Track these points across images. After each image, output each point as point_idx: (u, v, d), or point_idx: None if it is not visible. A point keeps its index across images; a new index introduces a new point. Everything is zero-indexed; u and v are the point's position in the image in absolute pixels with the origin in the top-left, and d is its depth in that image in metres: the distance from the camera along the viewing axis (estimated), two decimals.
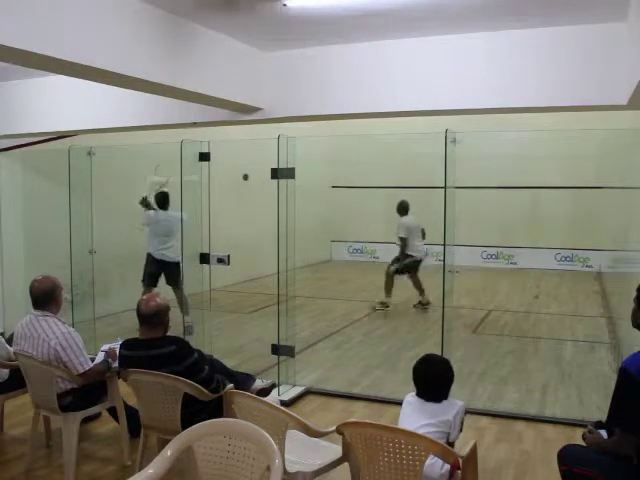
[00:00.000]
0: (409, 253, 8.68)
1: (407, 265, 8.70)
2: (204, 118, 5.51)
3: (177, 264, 6.92)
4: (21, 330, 3.93)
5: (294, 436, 3.16)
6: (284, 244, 5.34)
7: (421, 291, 8.81)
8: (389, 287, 8.79)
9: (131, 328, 3.88)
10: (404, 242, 8.66)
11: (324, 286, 8.80)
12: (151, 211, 7.26)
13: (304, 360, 6.20)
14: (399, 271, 8.73)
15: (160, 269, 7.25)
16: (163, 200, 7.21)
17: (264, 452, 2.31)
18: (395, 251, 8.84)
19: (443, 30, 4.60)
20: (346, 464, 3.06)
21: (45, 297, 3.92)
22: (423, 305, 8.79)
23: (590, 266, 12.87)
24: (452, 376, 3.28)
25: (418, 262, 8.75)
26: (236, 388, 3.68)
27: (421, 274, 8.79)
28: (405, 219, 8.76)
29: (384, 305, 8.81)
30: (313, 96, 5.15)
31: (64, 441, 3.81)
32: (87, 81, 4.62)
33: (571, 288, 11.18)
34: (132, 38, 3.99)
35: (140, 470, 2.45)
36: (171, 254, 7.14)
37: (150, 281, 7.23)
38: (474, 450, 2.92)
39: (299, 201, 5.51)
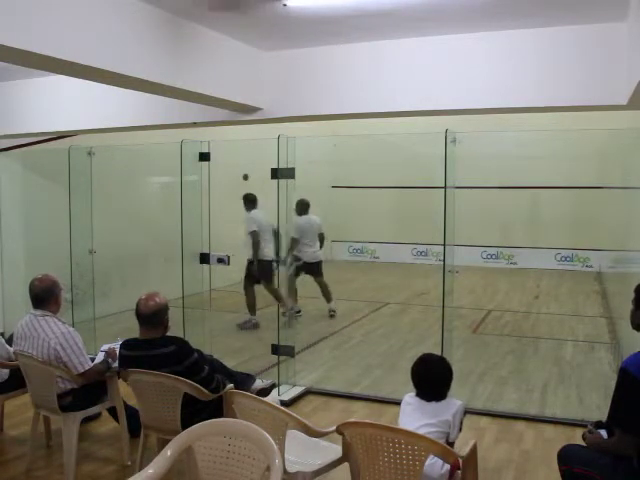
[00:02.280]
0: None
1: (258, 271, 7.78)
2: (204, 118, 5.51)
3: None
4: (21, 330, 3.93)
5: (294, 436, 3.16)
6: (284, 244, 5.35)
7: (279, 299, 7.36)
8: (278, 295, 7.63)
9: (131, 328, 3.87)
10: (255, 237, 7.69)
11: None
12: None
13: (304, 360, 6.20)
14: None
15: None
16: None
17: (264, 452, 2.31)
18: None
19: (443, 30, 4.60)
20: (346, 464, 3.07)
21: (45, 294, 3.92)
22: (284, 313, 6.88)
23: (590, 266, 12.87)
24: (451, 375, 3.27)
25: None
26: (236, 388, 3.69)
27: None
28: (253, 212, 7.72)
29: (293, 311, 7.60)
30: (313, 96, 5.15)
31: (64, 441, 3.81)
32: (87, 81, 4.62)
33: (571, 288, 11.17)
34: (132, 38, 3.99)
35: (140, 470, 2.45)
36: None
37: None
38: (474, 450, 2.92)
39: None
